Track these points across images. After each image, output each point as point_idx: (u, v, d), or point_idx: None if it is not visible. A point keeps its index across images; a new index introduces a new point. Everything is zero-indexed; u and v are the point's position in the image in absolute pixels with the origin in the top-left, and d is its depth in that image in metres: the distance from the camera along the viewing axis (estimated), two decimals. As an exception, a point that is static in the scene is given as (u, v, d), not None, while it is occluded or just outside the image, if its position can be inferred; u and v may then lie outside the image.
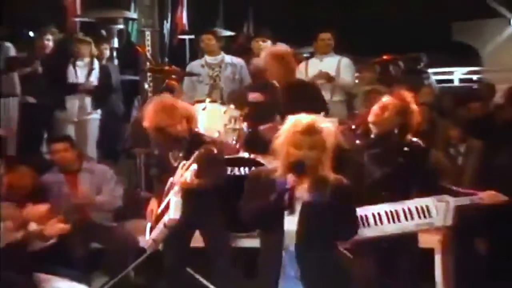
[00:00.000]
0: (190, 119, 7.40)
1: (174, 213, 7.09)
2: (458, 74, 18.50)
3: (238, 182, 7.19)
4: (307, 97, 8.27)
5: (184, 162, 7.21)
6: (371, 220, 6.30)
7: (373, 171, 6.65)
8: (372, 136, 6.78)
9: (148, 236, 7.48)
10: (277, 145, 5.40)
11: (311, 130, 5.28)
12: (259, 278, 5.55)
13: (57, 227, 6.84)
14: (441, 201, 6.51)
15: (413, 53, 9.65)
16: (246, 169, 8.00)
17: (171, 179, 7.32)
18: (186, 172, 7.00)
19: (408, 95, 6.95)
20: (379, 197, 6.49)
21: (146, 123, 7.38)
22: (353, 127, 7.01)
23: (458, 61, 18.43)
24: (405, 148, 6.74)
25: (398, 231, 6.35)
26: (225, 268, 7.46)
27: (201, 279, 8.05)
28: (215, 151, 7.13)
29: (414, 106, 6.89)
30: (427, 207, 6.51)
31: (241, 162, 8.01)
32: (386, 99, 6.81)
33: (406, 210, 6.42)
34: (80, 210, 7.95)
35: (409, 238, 6.75)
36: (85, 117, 10.71)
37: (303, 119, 5.34)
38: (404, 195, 6.56)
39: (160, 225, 7.18)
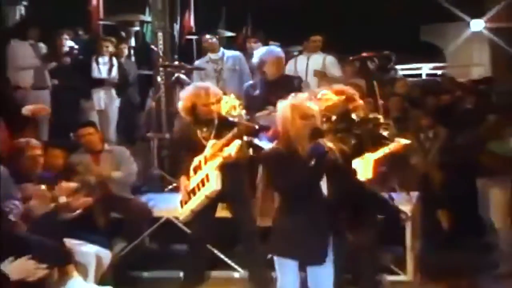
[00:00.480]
0: (219, 103, 7.40)
1: (216, 184, 7.13)
2: (425, 69, 18.52)
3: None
4: (291, 88, 8.31)
5: (214, 141, 7.25)
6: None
7: None
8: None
9: (181, 209, 7.53)
10: (287, 126, 5.33)
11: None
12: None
13: (82, 200, 6.84)
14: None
15: (386, 52, 9.62)
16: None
17: (198, 157, 7.34)
18: (229, 148, 7.09)
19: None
20: None
21: (183, 103, 7.42)
22: None
23: (425, 58, 18.45)
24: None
25: None
26: (251, 235, 7.39)
27: (219, 254, 7.99)
28: (256, 126, 7.27)
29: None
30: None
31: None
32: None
33: None
34: (102, 185, 7.94)
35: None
36: (108, 105, 10.71)
37: (296, 102, 5.38)
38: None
39: (201, 197, 7.20)
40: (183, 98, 7.46)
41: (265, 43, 10.78)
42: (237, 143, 7.11)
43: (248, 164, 7.40)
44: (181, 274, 7.84)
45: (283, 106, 5.43)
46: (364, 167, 6.46)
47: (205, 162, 7.32)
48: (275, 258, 5.47)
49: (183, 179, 7.52)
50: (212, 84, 7.84)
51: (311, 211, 5.28)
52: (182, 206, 7.54)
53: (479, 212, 8.26)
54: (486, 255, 8.32)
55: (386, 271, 7.48)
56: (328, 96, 6.49)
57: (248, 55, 10.18)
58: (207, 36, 10.40)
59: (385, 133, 6.93)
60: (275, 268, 7.07)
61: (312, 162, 5.17)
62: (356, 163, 6.48)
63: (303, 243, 5.27)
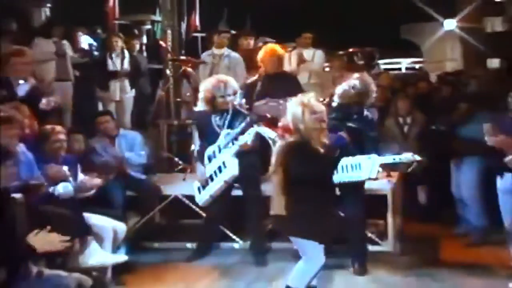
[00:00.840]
0: (235, 95, 7.40)
1: (234, 169, 7.13)
2: (404, 63, 18.59)
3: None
4: (288, 83, 8.30)
5: (227, 131, 7.25)
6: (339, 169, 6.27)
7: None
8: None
9: (199, 195, 7.54)
10: (298, 122, 5.40)
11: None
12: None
13: (96, 181, 6.85)
14: (368, 159, 6.49)
15: (370, 48, 9.65)
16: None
17: (212, 147, 7.34)
18: (244, 136, 7.11)
19: (369, 79, 6.97)
20: None
21: (204, 94, 7.40)
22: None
23: (404, 54, 18.48)
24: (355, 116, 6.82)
25: (340, 180, 6.31)
26: (258, 212, 7.38)
27: (224, 228, 8.00)
28: (268, 115, 7.27)
29: (373, 87, 6.93)
30: (359, 164, 6.50)
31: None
32: (353, 80, 6.85)
33: (344, 166, 6.38)
34: (118, 166, 7.95)
35: (354, 186, 6.79)
36: (123, 96, 10.70)
37: (305, 99, 5.47)
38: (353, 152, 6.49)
39: (220, 182, 7.23)
40: (204, 89, 7.42)
41: (256, 39, 10.77)
42: (252, 131, 7.12)
43: (258, 150, 7.41)
44: (188, 245, 7.88)
45: (293, 104, 5.50)
46: (369, 167, 6.49)
47: (219, 151, 7.32)
48: (298, 240, 5.52)
49: (200, 166, 7.52)
50: (231, 78, 7.75)
51: (326, 195, 5.46)
52: (199, 192, 7.55)
53: (451, 189, 8.27)
54: (457, 226, 8.35)
55: (370, 242, 7.49)
56: None
57: (245, 51, 10.13)
58: (222, 35, 10.31)
59: None
60: (271, 239, 7.17)
61: (337, 153, 5.48)
62: (362, 161, 6.53)
63: (322, 225, 5.38)
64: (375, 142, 6.89)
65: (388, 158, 6.43)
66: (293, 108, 5.45)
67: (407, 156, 6.32)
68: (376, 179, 7.64)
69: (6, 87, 6.90)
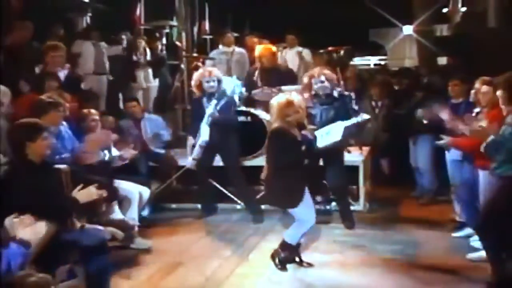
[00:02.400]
0: (220, 81, 7.32)
1: (205, 136, 7.02)
2: (373, 61, 18.54)
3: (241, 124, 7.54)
4: (281, 75, 8.22)
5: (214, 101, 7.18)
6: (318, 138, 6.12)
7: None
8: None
9: (187, 160, 7.45)
10: (282, 116, 5.40)
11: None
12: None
13: (130, 152, 6.78)
14: (336, 125, 6.42)
15: (347, 46, 9.55)
16: (243, 117, 7.83)
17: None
18: (211, 106, 7.06)
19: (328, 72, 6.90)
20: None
21: (193, 81, 7.40)
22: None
23: (372, 53, 18.44)
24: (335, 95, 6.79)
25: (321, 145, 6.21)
26: (238, 179, 7.39)
27: (220, 187, 7.94)
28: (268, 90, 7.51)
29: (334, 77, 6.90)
30: (329, 130, 6.43)
31: (241, 112, 7.84)
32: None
33: (319, 134, 6.22)
34: (142, 142, 7.88)
35: (335, 158, 6.80)
36: (148, 85, 10.60)
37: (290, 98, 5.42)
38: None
39: (197, 147, 7.13)
40: (194, 78, 7.42)
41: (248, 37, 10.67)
42: (213, 103, 7.09)
43: (239, 125, 7.42)
44: (198, 205, 7.82)
45: (280, 99, 5.44)
46: (335, 130, 6.40)
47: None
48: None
49: (189, 138, 7.47)
50: (216, 69, 7.73)
51: (296, 174, 5.37)
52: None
53: (409, 160, 8.22)
54: (413, 190, 8.31)
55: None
56: None
57: (249, 49, 10.02)
58: (228, 35, 10.18)
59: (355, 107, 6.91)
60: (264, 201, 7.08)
61: (303, 147, 5.37)
62: (331, 128, 6.44)
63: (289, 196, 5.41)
64: (355, 112, 6.76)
65: (350, 121, 6.37)
66: (278, 102, 5.43)
67: (362, 117, 6.43)
68: (349, 152, 7.66)
69: (55, 79, 6.85)
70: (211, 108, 7.12)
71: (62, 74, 7.33)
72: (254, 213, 7.35)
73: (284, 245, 5.57)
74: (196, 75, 7.43)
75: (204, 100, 7.29)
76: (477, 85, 5.99)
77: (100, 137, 6.34)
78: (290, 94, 5.57)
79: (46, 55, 7.18)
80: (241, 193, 7.59)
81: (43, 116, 5.43)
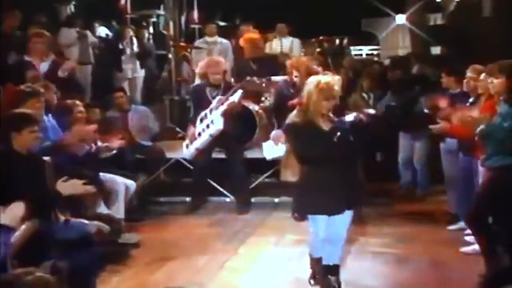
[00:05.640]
0: (226, 73, 7.34)
1: (219, 125, 6.93)
2: (365, 50, 18.56)
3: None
4: (267, 64, 8.23)
5: (220, 96, 7.09)
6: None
7: None
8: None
9: (186, 150, 7.41)
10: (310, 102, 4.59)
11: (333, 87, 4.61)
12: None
13: (117, 143, 6.74)
14: None
15: (337, 36, 9.54)
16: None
17: (205, 111, 7.18)
18: (233, 96, 6.92)
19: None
20: None
21: (199, 70, 7.42)
22: None
23: (365, 43, 18.48)
24: None
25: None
26: (240, 172, 7.39)
27: (216, 185, 7.90)
28: (257, 80, 7.21)
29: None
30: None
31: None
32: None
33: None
34: (129, 134, 7.84)
35: None
36: (134, 76, 10.56)
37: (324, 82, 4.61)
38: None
39: (206, 136, 7.05)
40: (200, 66, 7.41)
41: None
42: (239, 91, 6.95)
43: (246, 116, 7.28)
44: (187, 199, 7.79)
45: (312, 84, 4.64)
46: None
47: (210, 112, 7.18)
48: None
49: (191, 126, 7.40)
50: (222, 58, 7.78)
51: (329, 173, 4.59)
52: (187, 148, 7.43)
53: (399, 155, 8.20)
54: (407, 184, 8.26)
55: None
56: None
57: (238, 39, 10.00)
58: (211, 25, 10.28)
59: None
60: (255, 195, 7.07)
61: (336, 137, 4.54)
62: None
63: (329, 201, 4.63)
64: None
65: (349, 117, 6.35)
66: (309, 87, 4.64)
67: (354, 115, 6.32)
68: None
69: (31, 67, 6.82)
70: (232, 98, 6.93)
71: (46, 65, 7.24)
72: (241, 204, 7.36)
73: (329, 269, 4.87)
74: (201, 64, 7.43)
75: (209, 90, 7.27)
76: (469, 73, 6.00)
77: (86, 130, 6.27)
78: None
79: (29, 42, 7.16)
80: (239, 184, 7.55)
81: (22, 106, 5.34)
